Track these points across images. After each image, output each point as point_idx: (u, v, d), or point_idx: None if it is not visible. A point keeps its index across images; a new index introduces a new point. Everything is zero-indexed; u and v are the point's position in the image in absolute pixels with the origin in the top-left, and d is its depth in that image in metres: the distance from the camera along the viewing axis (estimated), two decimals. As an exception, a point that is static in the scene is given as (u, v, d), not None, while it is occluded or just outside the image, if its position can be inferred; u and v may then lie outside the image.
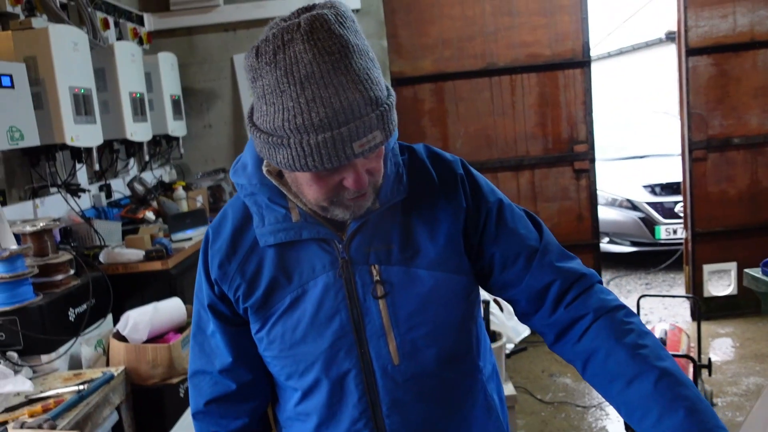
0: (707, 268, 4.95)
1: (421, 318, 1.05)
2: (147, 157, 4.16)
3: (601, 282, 1.10)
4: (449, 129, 4.63)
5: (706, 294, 4.96)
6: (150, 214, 3.64)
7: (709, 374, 3.44)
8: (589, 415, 3.67)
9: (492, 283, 1.12)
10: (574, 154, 4.69)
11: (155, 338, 2.57)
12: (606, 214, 6.41)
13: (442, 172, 1.09)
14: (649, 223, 6.37)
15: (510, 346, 4.17)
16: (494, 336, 2.94)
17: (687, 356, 2.81)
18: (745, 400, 3.68)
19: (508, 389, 2.84)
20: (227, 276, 1.08)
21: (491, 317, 2.78)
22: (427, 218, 1.06)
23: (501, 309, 3.40)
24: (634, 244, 6.49)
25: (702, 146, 4.68)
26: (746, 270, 2.33)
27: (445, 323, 1.07)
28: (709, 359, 3.36)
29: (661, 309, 5.37)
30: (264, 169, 1.02)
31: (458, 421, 1.12)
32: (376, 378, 1.05)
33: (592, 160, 4.72)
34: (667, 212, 6.30)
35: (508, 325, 3.38)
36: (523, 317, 1.13)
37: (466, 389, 1.14)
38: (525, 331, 3.56)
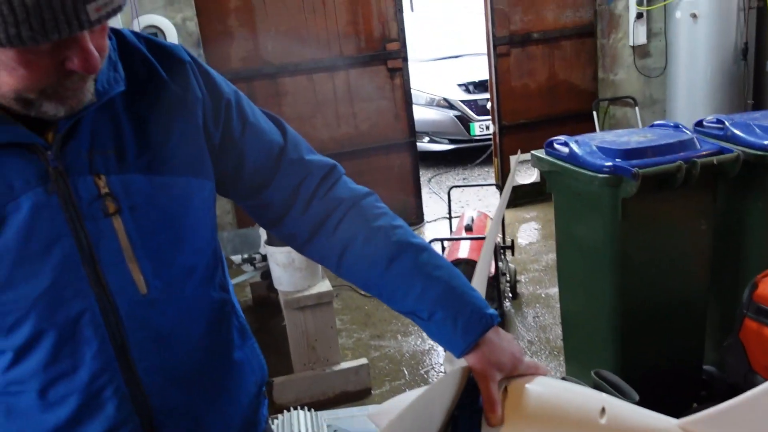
0: (514, 159, 5.30)
1: (168, 235, 0.88)
2: None
3: (344, 173, 1.06)
4: (258, 27, 4.38)
5: (514, 184, 5.33)
6: None
7: (512, 254, 3.73)
8: (409, 303, 3.86)
9: (240, 187, 1.00)
10: (387, 53, 4.66)
11: None
12: (425, 114, 6.60)
13: (165, 60, 0.91)
14: (465, 121, 6.66)
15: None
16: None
17: (489, 238, 3.00)
18: (544, 274, 4.07)
19: (326, 286, 2.87)
20: None
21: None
22: (158, 114, 0.88)
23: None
24: (452, 141, 6.78)
25: (505, 42, 4.87)
26: (532, 152, 2.46)
27: (196, 239, 0.92)
28: (512, 240, 3.64)
29: (476, 200, 5.72)
30: None
31: (217, 351, 0.99)
32: (120, 315, 0.85)
33: (405, 59, 4.72)
34: (480, 109, 6.61)
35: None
36: (272, 223, 1.03)
37: (220, 309, 0.99)
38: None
